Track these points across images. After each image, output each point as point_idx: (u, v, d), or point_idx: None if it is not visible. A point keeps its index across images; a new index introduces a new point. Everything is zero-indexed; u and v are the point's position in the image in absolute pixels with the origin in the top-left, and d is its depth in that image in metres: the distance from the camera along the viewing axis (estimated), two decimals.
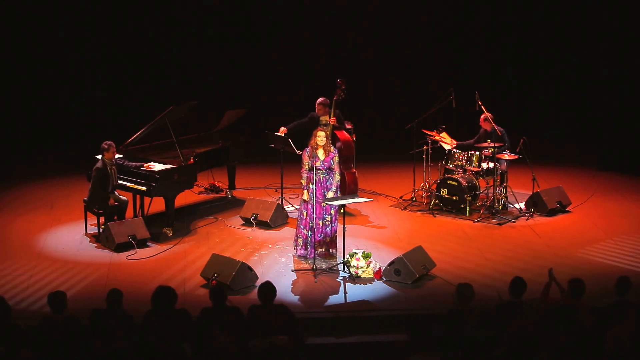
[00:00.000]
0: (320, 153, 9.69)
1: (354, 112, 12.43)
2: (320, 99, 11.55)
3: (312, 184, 9.65)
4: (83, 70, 15.36)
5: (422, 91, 15.46)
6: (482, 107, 11.74)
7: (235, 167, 12.34)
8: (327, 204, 9.83)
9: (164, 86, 15.51)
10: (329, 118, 11.43)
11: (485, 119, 11.67)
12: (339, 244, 9.80)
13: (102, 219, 10.52)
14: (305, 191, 9.75)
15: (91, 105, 15.36)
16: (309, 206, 9.78)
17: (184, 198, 11.72)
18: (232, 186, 12.45)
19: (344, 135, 11.56)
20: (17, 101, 15.17)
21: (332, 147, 9.94)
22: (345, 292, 9.15)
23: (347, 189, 11.46)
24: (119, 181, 10.75)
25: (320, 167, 9.66)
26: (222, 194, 12.52)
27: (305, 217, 9.86)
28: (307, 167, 9.73)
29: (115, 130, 12.96)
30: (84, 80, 15.39)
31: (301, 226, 9.93)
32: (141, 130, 11.18)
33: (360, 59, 15.95)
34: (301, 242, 9.94)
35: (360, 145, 12.13)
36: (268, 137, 11.69)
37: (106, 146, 10.44)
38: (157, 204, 11.12)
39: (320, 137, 9.66)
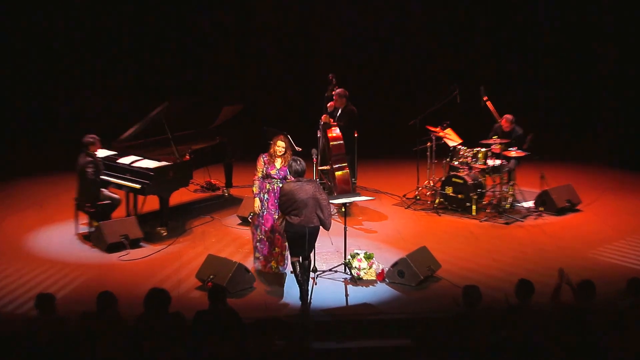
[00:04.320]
0: (278, 162, 9.45)
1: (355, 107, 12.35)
2: (338, 90, 11.67)
3: (265, 193, 9.43)
4: (72, 63, 15.31)
5: (425, 86, 15.42)
6: (488, 102, 11.75)
7: (232, 165, 12.32)
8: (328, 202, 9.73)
9: (159, 81, 15.44)
10: (328, 116, 11.60)
11: (511, 121, 11.67)
12: (340, 243, 9.76)
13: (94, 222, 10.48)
14: (256, 199, 9.44)
15: (82, 101, 15.31)
16: (260, 218, 9.44)
17: (179, 196, 11.65)
18: (229, 184, 12.41)
19: (333, 133, 11.60)
20: (3, 98, 15.15)
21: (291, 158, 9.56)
22: (346, 295, 9.07)
23: (339, 189, 11.45)
24: (112, 179, 10.70)
25: (275, 176, 9.40)
26: (219, 192, 12.50)
27: (257, 230, 9.49)
28: (260, 174, 9.47)
29: (108, 126, 12.93)
30: (73, 75, 15.34)
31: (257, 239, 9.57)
32: (135, 126, 11.12)
33: (362, 54, 15.91)
34: (260, 256, 9.54)
35: (362, 141, 12.07)
36: (267, 133, 11.53)
37: (92, 140, 10.39)
38: (151, 203, 11.04)
39: (280, 147, 9.42)
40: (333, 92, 11.73)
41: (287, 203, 8.64)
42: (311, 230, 8.70)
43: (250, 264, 9.62)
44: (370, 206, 11.83)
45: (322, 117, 11.67)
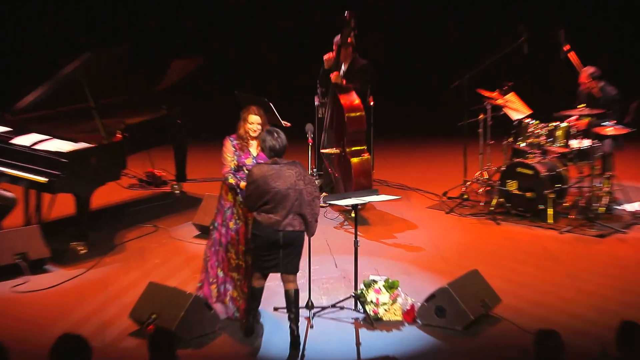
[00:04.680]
0: (254, 146, 9.39)
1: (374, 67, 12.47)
2: (341, 38, 11.87)
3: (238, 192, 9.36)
4: None
5: (476, 32, 15.38)
6: (571, 53, 11.80)
7: (187, 148, 12.44)
8: (330, 203, 9.58)
9: (74, 22, 15.46)
10: (340, 74, 11.76)
11: (592, 75, 11.65)
12: (349, 265, 9.68)
13: None
14: (242, 182, 9.29)
15: None
16: (232, 232, 9.33)
17: (107, 195, 11.79)
18: (181, 177, 12.58)
19: (349, 100, 11.70)
20: None
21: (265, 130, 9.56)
22: (357, 344, 8.92)
23: (354, 184, 11.55)
24: (3, 168, 10.69)
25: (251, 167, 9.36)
26: (166, 189, 12.68)
27: (219, 246, 9.41)
28: (231, 165, 9.36)
29: None
30: None
31: (215, 263, 9.45)
32: (39, 90, 11.12)
33: None
34: (215, 290, 9.43)
35: (381, 114, 12.11)
36: (239, 99, 11.53)
37: None
38: (63, 204, 11.08)
39: (254, 123, 9.32)
40: (349, 39, 11.76)
41: (255, 194, 8.56)
42: (289, 237, 8.57)
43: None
44: (394, 210, 11.93)
45: (332, 76, 11.75)
